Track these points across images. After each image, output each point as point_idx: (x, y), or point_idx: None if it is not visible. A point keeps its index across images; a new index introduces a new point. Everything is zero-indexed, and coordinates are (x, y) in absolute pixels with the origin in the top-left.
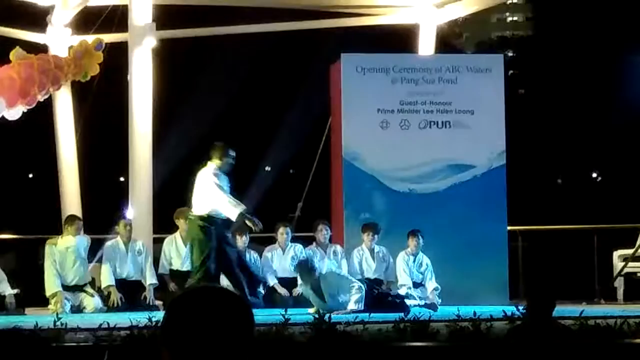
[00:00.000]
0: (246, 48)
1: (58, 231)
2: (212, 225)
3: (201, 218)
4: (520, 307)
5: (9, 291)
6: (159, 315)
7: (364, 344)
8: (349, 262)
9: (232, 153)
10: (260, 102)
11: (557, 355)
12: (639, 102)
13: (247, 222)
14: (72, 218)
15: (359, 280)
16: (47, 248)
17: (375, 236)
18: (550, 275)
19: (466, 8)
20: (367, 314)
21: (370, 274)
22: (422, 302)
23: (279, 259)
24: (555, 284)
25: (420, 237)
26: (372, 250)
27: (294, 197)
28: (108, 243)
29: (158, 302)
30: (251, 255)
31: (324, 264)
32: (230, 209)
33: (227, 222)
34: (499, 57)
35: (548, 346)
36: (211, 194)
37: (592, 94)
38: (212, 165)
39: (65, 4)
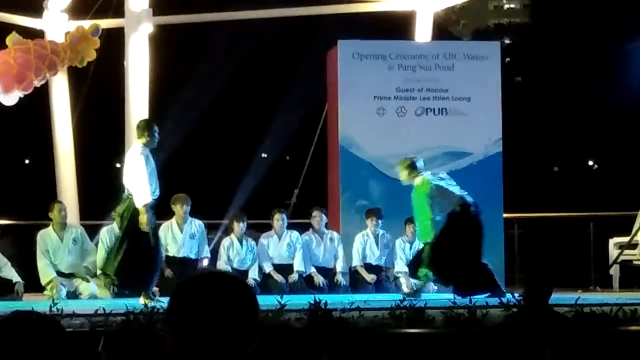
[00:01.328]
0: (243, 34)
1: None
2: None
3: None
4: (517, 295)
5: (17, 278)
6: (155, 300)
7: (360, 330)
8: (352, 247)
9: (157, 128)
10: (257, 89)
11: (552, 342)
12: (635, 90)
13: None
14: (52, 203)
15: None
16: (38, 238)
17: (380, 221)
18: (547, 263)
19: None
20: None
21: (373, 259)
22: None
23: (275, 246)
24: (552, 272)
25: None
26: (376, 236)
27: (290, 183)
28: (104, 228)
29: (154, 288)
30: (248, 242)
31: (320, 251)
32: (141, 194)
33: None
34: (496, 44)
35: (543, 333)
36: (132, 172)
37: (589, 81)
38: (138, 144)
39: None
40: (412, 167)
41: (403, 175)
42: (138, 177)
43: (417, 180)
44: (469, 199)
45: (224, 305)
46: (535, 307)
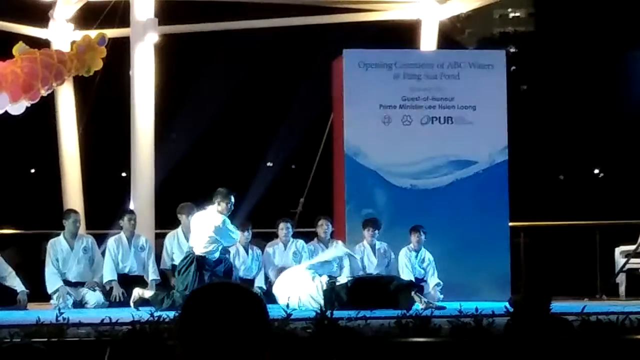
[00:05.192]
0: (248, 43)
1: (60, 226)
2: None
3: None
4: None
5: (21, 288)
6: (161, 310)
7: (366, 340)
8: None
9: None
10: (262, 98)
11: (558, 350)
12: None
13: None
14: (68, 212)
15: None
16: (48, 246)
17: (376, 232)
18: (549, 270)
19: (468, 4)
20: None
21: (372, 269)
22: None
23: (281, 255)
24: (553, 279)
25: (422, 232)
26: (373, 246)
27: (296, 192)
28: (111, 238)
29: None
30: (254, 251)
31: None
32: None
33: None
34: (501, 52)
35: (548, 341)
36: None
37: (595, 89)
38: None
39: None
40: None
41: None
42: None
43: None
44: None
45: (235, 317)
46: (534, 313)
